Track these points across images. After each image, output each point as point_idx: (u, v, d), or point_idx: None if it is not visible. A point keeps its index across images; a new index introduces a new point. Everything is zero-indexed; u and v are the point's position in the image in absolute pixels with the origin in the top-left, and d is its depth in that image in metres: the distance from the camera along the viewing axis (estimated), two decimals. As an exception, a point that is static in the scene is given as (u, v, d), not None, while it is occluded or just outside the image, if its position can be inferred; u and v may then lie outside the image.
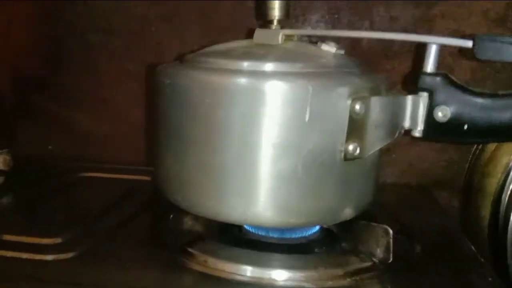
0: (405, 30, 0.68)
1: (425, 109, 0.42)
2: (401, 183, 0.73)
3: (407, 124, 0.44)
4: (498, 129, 0.40)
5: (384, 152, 0.72)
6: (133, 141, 0.75)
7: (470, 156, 0.70)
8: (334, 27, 0.69)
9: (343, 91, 0.41)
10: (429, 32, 0.68)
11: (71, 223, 0.53)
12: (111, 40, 0.74)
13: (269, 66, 0.42)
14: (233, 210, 0.43)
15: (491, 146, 0.66)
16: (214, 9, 0.71)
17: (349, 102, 0.41)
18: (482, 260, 0.49)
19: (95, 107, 0.76)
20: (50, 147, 0.79)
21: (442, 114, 0.41)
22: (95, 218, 0.55)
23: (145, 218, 0.56)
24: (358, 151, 0.42)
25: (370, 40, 0.69)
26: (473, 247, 0.52)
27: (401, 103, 0.43)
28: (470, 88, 0.41)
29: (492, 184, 0.65)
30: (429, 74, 0.42)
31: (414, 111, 0.43)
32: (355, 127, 0.42)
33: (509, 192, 0.63)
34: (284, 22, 0.49)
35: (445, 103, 0.41)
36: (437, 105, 0.42)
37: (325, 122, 0.41)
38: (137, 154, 0.74)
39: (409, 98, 0.43)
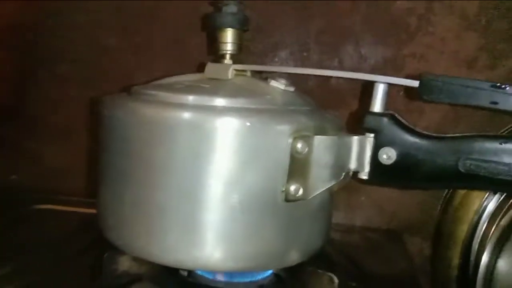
0: (374, 69, 0.67)
1: (371, 151, 0.40)
2: (371, 227, 0.71)
3: (353, 165, 0.42)
4: (443, 174, 0.38)
5: (353, 193, 0.71)
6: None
7: (441, 201, 0.68)
8: (303, 64, 0.69)
9: (283, 128, 0.39)
10: (400, 72, 0.67)
11: (12, 257, 0.51)
12: (79, 71, 0.74)
13: (210, 101, 0.40)
14: (165, 251, 0.40)
15: (462, 191, 0.64)
16: (184, 43, 0.71)
17: (290, 140, 0.39)
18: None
19: (60, 138, 0.75)
20: (13, 176, 0.77)
21: (386, 156, 0.39)
22: (38, 253, 0.53)
23: (90, 255, 0.53)
24: (300, 192, 0.40)
25: (339, 79, 0.68)
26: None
27: (347, 144, 0.42)
28: (417, 130, 0.40)
29: (463, 230, 0.63)
30: (375, 114, 0.40)
31: (361, 153, 0.41)
32: (297, 167, 0.40)
33: (479, 239, 0.61)
34: (237, 57, 0.48)
35: (391, 144, 0.39)
36: (382, 146, 0.40)
37: (265, 160, 0.40)
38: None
39: (355, 139, 0.41)
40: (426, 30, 0.66)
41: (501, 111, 0.35)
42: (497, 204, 0.61)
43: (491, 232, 0.59)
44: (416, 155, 0.39)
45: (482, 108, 0.36)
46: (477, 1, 0.65)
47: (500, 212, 0.59)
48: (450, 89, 0.37)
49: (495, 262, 0.55)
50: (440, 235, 0.67)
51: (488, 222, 0.61)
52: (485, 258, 0.58)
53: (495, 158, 0.36)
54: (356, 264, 0.56)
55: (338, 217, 0.71)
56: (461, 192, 0.64)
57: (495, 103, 0.35)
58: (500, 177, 0.36)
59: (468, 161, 0.37)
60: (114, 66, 0.73)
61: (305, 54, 0.69)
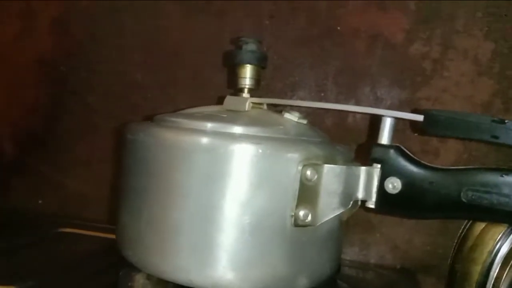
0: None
1: (378, 181, 0.42)
2: (385, 264, 0.71)
3: (361, 195, 0.44)
4: (446, 204, 0.39)
5: (368, 231, 0.71)
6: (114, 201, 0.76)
7: (455, 240, 0.68)
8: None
9: (293, 156, 0.41)
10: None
11: (32, 274, 0.53)
12: (109, 104, 0.78)
13: (226, 128, 0.43)
14: (177, 270, 0.42)
15: (476, 231, 0.64)
16: (205, 79, 0.75)
17: (300, 167, 0.41)
18: None
19: (85, 167, 0.79)
20: (40, 201, 0.80)
21: (392, 186, 0.41)
22: (57, 272, 0.55)
23: (107, 277, 0.55)
24: (309, 218, 0.42)
25: (355, 118, 0.70)
26: None
27: (355, 174, 0.43)
28: (422, 161, 0.41)
29: (477, 271, 0.62)
30: (382, 146, 0.42)
31: (368, 182, 0.43)
32: (307, 194, 0.42)
33: (493, 281, 0.60)
34: (255, 91, 0.51)
35: (396, 175, 0.41)
36: (388, 176, 0.41)
37: (276, 185, 0.42)
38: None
39: (363, 169, 0.43)
40: (441, 74, 0.68)
41: (502, 145, 0.36)
42: (511, 245, 0.60)
43: (505, 274, 0.59)
44: (420, 185, 0.40)
45: (484, 142, 0.37)
46: (490, 47, 0.67)
47: (514, 254, 0.59)
48: (452, 123, 0.39)
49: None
50: (454, 275, 0.66)
51: (502, 263, 0.60)
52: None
53: (496, 190, 0.37)
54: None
55: (353, 254, 0.72)
56: (475, 232, 0.64)
57: (496, 137, 0.37)
58: (501, 207, 0.37)
59: (470, 192, 0.38)
60: (141, 100, 0.77)
61: (322, 94, 0.71)
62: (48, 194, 0.81)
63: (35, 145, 0.82)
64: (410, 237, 0.70)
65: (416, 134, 0.69)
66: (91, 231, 0.70)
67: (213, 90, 0.74)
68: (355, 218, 0.70)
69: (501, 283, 0.59)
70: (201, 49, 0.75)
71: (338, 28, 0.71)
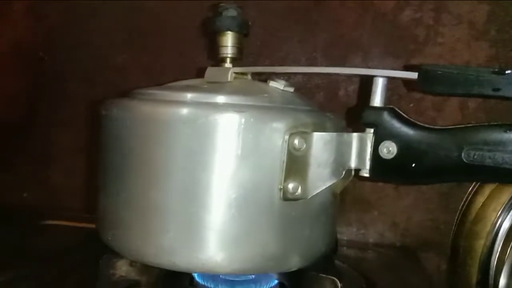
0: (382, 81, 0.66)
1: (371, 147, 0.39)
2: (384, 243, 0.68)
3: (353, 163, 0.41)
4: (446, 166, 0.36)
5: (365, 209, 0.69)
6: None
7: (457, 215, 0.65)
8: (310, 77, 0.68)
9: (279, 125, 0.38)
10: (409, 83, 0.66)
11: (16, 265, 0.52)
12: (91, 90, 0.74)
13: (207, 98, 0.40)
14: (160, 252, 0.39)
15: (477, 204, 0.62)
16: (193, 62, 0.71)
17: (287, 137, 0.38)
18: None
19: (71, 157, 0.76)
20: (24, 195, 0.77)
21: (387, 150, 0.38)
22: (41, 262, 0.53)
23: (90, 267, 0.52)
24: (299, 190, 0.39)
25: (347, 92, 0.67)
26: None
27: (347, 141, 0.40)
28: (419, 123, 0.38)
29: (480, 245, 0.60)
30: (375, 109, 0.39)
31: (361, 150, 0.40)
32: (296, 164, 0.39)
33: (498, 254, 0.58)
34: (237, 61, 0.48)
35: (391, 138, 0.38)
36: (382, 140, 0.38)
37: (262, 157, 0.38)
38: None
39: (355, 136, 0.40)
40: (435, 41, 0.65)
41: (504, 98, 0.33)
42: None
43: (510, 247, 0.57)
44: (417, 148, 0.37)
45: (485, 97, 0.34)
46: (486, 10, 0.64)
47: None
48: (450, 79, 0.36)
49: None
50: (456, 250, 0.64)
51: (506, 236, 0.58)
52: (504, 274, 0.56)
53: (500, 147, 0.34)
54: (370, 280, 0.54)
55: (351, 234, 0.69)
56: (477, 205, 0.62)
57: (498, 89, 0.34)
58: (506, 166, 0.34)
59: (472, 151, 0.35)
60: (124, 84, 0.73)
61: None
62: (32, 187, 0.78)
63: (16, 136, 0.78)
64: (409, 213, 0.68)
65: (411, 105, 0.67)
66: (76, 222, 0.67)
67: (199, 72, 0.71)
68: (351, 196, 0.68)
69: (506, 257, 0.57)
70: (184, 28, 0.72)
71: (325, -2, 0.67)
